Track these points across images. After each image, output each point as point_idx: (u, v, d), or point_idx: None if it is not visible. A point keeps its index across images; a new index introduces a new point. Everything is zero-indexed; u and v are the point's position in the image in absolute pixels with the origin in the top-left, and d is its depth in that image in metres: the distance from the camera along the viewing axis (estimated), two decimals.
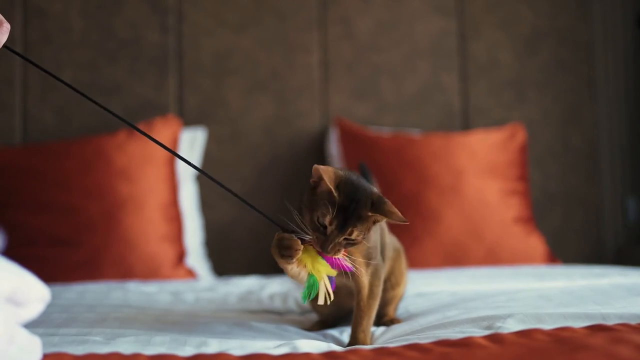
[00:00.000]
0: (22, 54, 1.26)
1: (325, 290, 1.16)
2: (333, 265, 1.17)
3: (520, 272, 2.14)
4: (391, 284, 1.42)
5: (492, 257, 2.45)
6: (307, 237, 1.17)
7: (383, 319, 1.43)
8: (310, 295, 1.16)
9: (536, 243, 2.54)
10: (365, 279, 1.26)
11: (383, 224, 1.34)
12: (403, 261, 1.46)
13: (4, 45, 1.23)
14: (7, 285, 0.85)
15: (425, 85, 2.87)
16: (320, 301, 1.16)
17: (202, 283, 2.17)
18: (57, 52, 2.69)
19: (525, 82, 2.93)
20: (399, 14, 2.89)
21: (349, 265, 1.18)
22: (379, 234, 1.29)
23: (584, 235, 2.91)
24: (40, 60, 2.67)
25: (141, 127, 2.53)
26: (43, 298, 0.94)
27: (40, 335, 1.02)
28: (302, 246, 1.18)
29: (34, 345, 0.96)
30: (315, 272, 1.16)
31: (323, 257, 1.17)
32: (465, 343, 1.00)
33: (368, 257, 1.24)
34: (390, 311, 1.46)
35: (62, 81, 1.25)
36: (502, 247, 2.47)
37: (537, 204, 2.81)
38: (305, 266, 1.17)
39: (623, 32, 3.00)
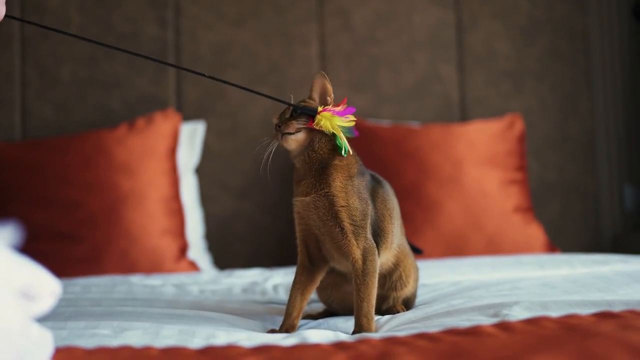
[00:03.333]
0: (24, 20, 1.27)
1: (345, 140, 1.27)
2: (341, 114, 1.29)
3: (521, 260, 2.15)
4: (400, 283, 1.41)
5: (492, 246, 2.46)
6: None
7: (387, 307, 1.43)
8: (344, 147, 1.27)
9: (535, 232, 2.55)
10: (356, 251, 1.26)
11: (391, 211, 1.35)
12: (410, 262, 1.44)
13: (7, 15, 1.22)
14: (21, 279, 0.86)
15: (424, 77, 2.87)
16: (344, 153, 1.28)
17: (206, 275, 2.18)
18: (55, 47, 2.68)
19: (523, 73, 2.93)
20: (396, 5, 2.89)
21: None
22: (370, 208, 1.30)
23: (581, 224, 2.93)
24: (39, 56, 2.67)
25: (141, 121, 2.53)
26: (54, 292, 0.95)
27: (49, 328, 1.02)
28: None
29: (46, 339, 0.97)
30: (335, 129, 1.27)
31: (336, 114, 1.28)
32: (474, 332, 1.00)
33: (352, 219, 1.26)
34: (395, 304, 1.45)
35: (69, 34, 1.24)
36: (502, 237, 2.49)
37: (536, 194, 2.83)
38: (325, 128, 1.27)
39: (619, 21, 3.01)
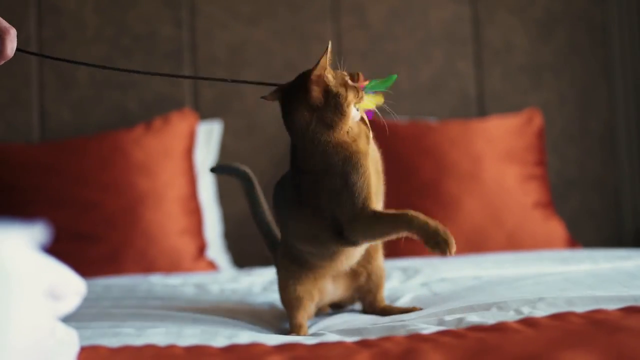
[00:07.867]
0: (38, 53, 1.27)
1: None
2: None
3: (542, 256, 2.13)
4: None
5: (513, 242, 2.44)
6: None
7: (372, 306, 1.41)
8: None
9: (556, 227, 2.53)
10: None
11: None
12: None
13: (18, 49, 1.24)
14: (47, 279, 0.86)
15: (440, 73, 2.86)
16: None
17: (225, 274, 2.18)
18: (72, 49, 2.70)
19: (541, 67, 2.91)
20: (412, 1, 2.88)
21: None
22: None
23: (602, 219, 2.90)
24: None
25: (158, 121, 2.54)
26: (79, 291, 0.95)
27: (73, 328, 1.03)
28: None
29: (72, 339, 0.97)
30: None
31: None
32: (499, 328, 1.00)
33: None
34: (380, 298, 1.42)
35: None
36: (523, 233, 2.47)
37: (555, 189, 2.80)
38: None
39: (638, 14, 2.97)
